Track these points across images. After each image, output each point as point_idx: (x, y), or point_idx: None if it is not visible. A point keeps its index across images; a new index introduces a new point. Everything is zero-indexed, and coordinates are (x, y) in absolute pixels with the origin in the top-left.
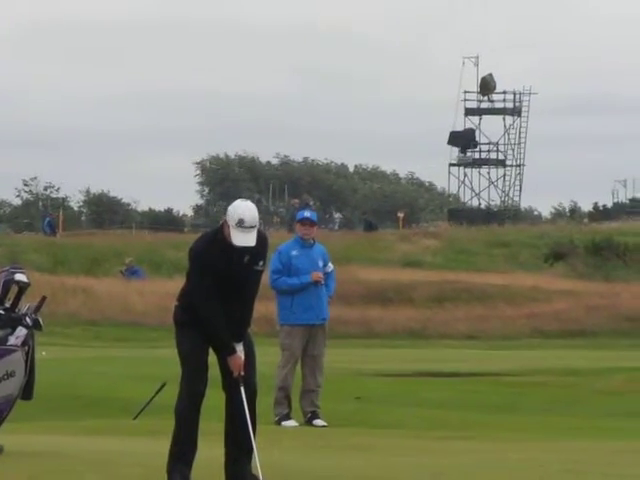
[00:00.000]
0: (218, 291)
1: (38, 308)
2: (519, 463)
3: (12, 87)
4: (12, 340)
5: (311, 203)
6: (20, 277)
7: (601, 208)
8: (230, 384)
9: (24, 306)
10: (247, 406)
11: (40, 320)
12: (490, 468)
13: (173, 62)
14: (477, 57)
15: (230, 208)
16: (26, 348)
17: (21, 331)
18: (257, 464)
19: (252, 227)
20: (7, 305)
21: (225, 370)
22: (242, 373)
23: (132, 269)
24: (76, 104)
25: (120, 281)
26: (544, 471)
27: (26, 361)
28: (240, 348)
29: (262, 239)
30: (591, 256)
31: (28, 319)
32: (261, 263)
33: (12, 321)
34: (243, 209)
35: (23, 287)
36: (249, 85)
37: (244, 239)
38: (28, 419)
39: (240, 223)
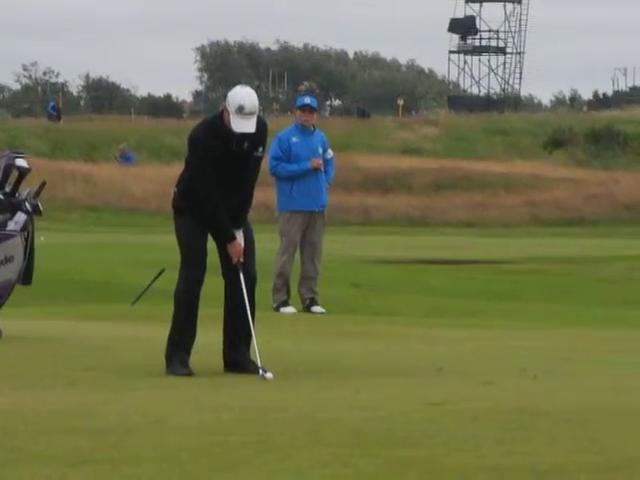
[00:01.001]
0: (218, 178)
1: (38, 193)
2: (518, 351)
3: None
4: (11, 225)
5: (316, 89)
6: (21, 162)
7: (601, 96)
8: (229, 271)
9: (24, 191)
10: (246, 293)
11: (39, 205)
12: (489, 356)
13: None
14: None
15: (230, 94)
16: (25, 233)
17: (20, 216)
18: (256, 350)
19: (252, 113)
20: (7, 190)
21: (224, 257)
22: (241, 260)
23: (125, 155)
24: None
25: (119, 167)
26: (542, 358)
27: (25, 246)
28: (240, 235)
29: (262, 125)
30: (591, 144)
31: (27, 204)
32: (260, 149)
33: (12, 206)
34: (243, 95)
35: (23, 173)
36: None
37: (244, 125)
38: (27, 304)
39: (240, 109)
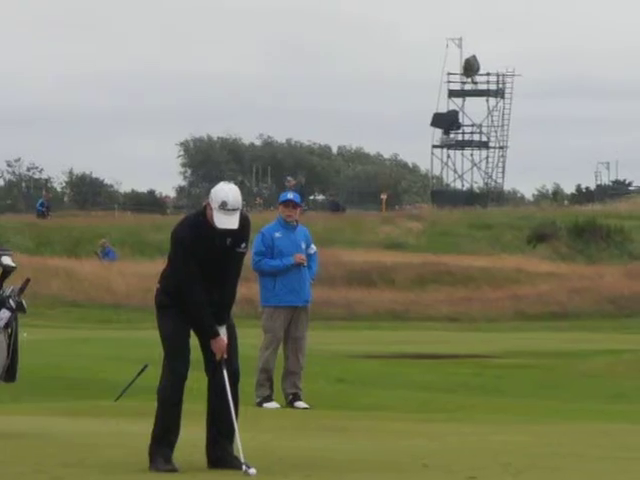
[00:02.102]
0: (201, 274)
1: (22, 290)
2: (502, 446)
3: None
4: None
5: (303, 184)
6: (7, 261)
7: (584, 190)
8: (212, 366)
9: (7, 288)
10: (229, 389)
11: (24, 303)
12: (474, 451)
13: (157, 42)
14: (460, 39)
15: (213, 190)
16: (9, 330)
17: (4, 313)
18: (239, 446)
19: (235, 210)
20: None
21: (207, 352)
22: (225, 356)
23: (106, 250)
24: (60, 84)
25: (101, 262)
26: (526, 453)
27: (8, 343)
28: (223, 331)
29: (244, 221)
30: (574, 238)
31: (12, 301)
32: (243, 245)
33: None
34: (226, 191)
35: (9, 271)
36: (231, 66)
37: (227, 222)
38: (9, 400)
39: (223, 205)
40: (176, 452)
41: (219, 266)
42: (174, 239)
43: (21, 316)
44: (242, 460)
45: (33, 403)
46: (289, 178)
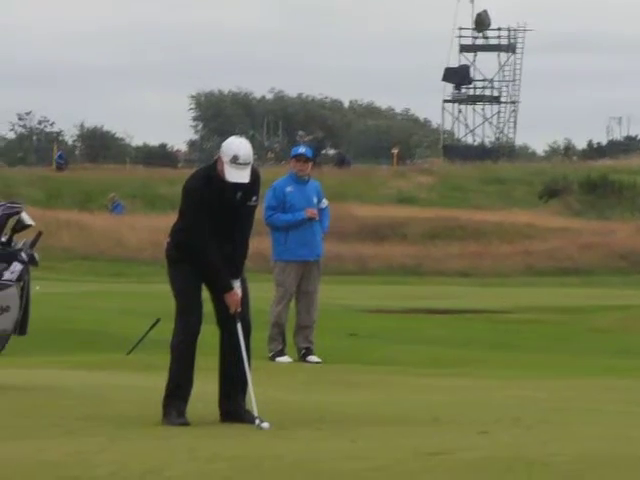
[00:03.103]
0: (212, 228)
1: (34, 243)
2: (513, 400)
3: (5, 22)
4: (7, 275)
5: (320, 137)
6: (26, 219)
7: (595, 146)
8: (225, 320)
9: (20, 241)
10: (243, 342)
11: (36, 255)
12: (485, 405)
13: None
14: None
15: (224, 144)
16: (21, 283)
17: (16, 266)
18: (252, 400)
19: (246, 164)
20: (3, 240)
21: (219, 306)
22: (239, 309)
23: (114, 204)
24: (71, 38)
25: (113, 216)
26: (537, 408)
27: (21, 296)
28: (237, 285)
29: (255, 175)
30: (586, 193)
31: (24, 254)
32: (254, 199)
33: (8, 256)
34: (237, 145)
35: (25, 227)
36: (243, 20)
37: (238, 175)
38: (22, 354)
39: (234, 159)
40: (188, 406)
41: (230, 220)
42: (185, 192)
43: (33, 269)
44: (255, 414)
45: (45, 356)
46: (301, 133)
